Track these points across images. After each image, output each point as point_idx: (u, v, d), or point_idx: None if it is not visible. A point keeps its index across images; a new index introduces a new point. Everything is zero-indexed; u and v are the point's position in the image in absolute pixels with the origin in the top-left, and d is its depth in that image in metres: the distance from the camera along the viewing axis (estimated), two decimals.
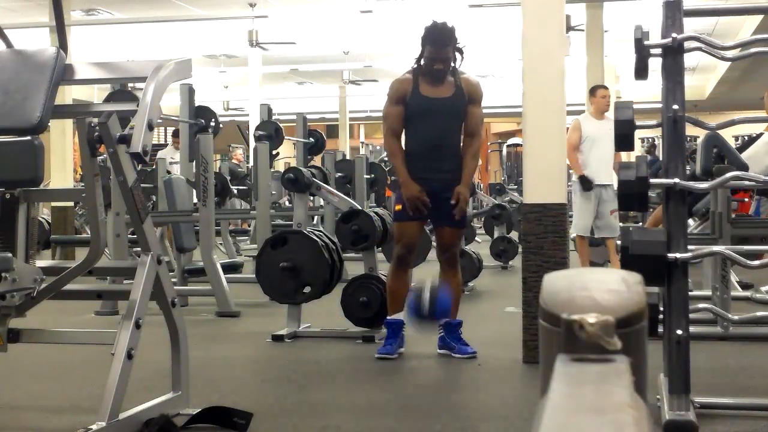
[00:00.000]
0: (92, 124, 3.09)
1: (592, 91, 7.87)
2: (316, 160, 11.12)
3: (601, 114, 7.58)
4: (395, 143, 4.72)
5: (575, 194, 7.66)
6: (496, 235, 10.07)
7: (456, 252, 4.81)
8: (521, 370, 4.43)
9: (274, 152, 9.68)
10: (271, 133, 9.47)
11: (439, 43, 4.59)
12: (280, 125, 9.78)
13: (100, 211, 3.23)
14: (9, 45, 3.45)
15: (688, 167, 3.65)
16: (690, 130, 3.62)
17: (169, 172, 7.99)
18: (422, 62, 4.65)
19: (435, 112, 4.61)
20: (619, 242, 3.21)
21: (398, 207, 4.74)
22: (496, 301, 7.20)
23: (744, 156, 6.33)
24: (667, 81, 3.31)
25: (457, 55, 4.65)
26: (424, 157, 4.65)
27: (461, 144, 4.74)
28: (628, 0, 11.94)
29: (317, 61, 17.86)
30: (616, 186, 3.86)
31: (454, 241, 4.77)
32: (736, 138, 17.69)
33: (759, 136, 7.21)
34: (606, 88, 7.95)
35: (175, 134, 11.05)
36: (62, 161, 11.17)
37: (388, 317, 4.82)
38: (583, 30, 11.72)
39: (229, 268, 7.36)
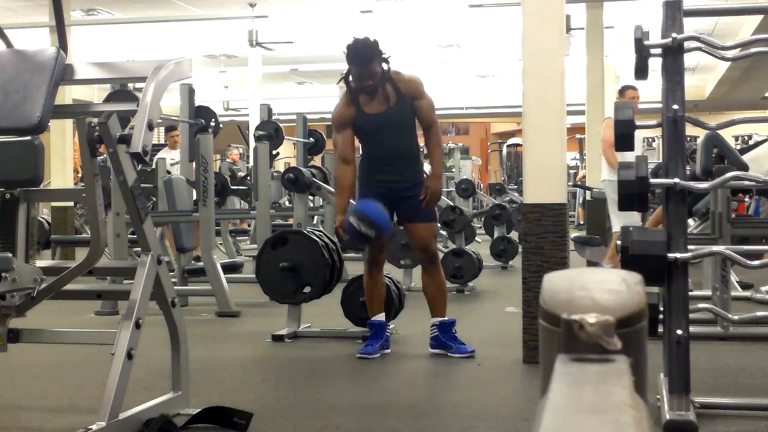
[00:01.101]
0: (92, 124, 3.09)
1: (621, 92, 7.80)
2: (316, 160, 11.12)
3: None
4: (343, 172, 4.77)
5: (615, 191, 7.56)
6: (496, 235, 10.06)
7: (433, 249, 4.82)
8: (521, 370, 4.43)
9: (274, 152, 9.68)
10: (271, 133, 9.47)
11: (361, 61, 4.56)
12: (280, 125, 9.78)
13: (100, 211, 3.23)
14: (9, 45, 3.45)
15: (688, 167, 3.65)
16: (690, 130, 3.62)
17: (169, 172, 7.99)
18: (351, 82, 4.63)
19: (382, 126, 4.63)
20: (619, 242, 3.21)
21: None
22: (496, 301, 7.20)
23: (746, 158, 6.33)
24: (667, 81, 3.31)
25: (384, 65, 4.60)
26: (381, 165, 4.71)
27: (417, 142, 4.84)
28: (628, 0, 11.93)
29: (317, 61, 17.85)
30: None
31: (427, 236, 4.76)
32: (736, 138, 17.69)
33: (766, 140, 7.18)
34: (635, 88, 7.73)
35: (169, 129, 10.92)
36: (62, 161, 11.16)
37: (370, 318, 4.87)
38: (583, 29, 11.72)
39: (229, 268, 7.35)
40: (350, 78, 4.62)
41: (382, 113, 4.63)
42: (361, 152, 4.95)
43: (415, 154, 4.78)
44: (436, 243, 4.92)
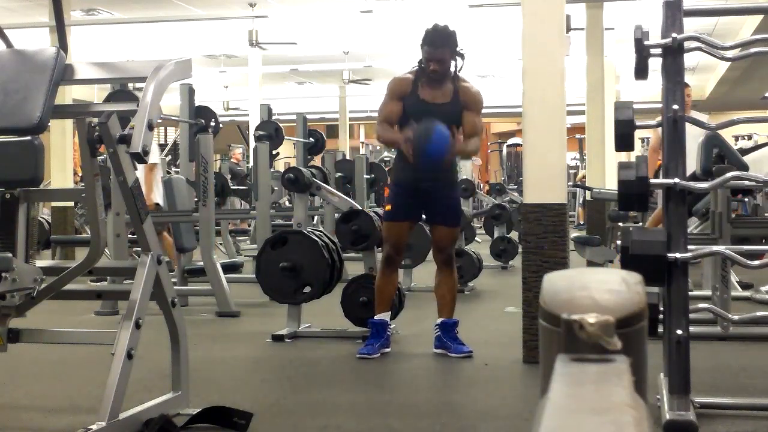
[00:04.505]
0: (92, 124, 3.09)
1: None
2: (316, 160, 11.12)
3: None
4: (386, 126, 4.67)
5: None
6: (496, 235, 10.07)
7: (451, 252, 4.81)
8: (521, 370, 4.43)
9: (274, 152, 9.68)
10: (271, 133, 9.48)
11: (435, 43, 4.57)
12: (280, 125, 9.78)
13: (100, 211, 3.23)
14: (9, 45, 3.45)
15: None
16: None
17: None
18: (422, 65, 4.65)
19: (431, 116, 4.59)
20: (619, 242, 3.21)
21: (388, 207, 4.80)
22: (496, 301, 7.20)
23: (747, 159, 6.33)
24: (667, 81, 3.31)
25: (458, 59, 4.62)
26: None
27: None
28: (628, 0, 11.94)
29: (317, 61, 17.85)
30: None
31: (447, 240, 4.75)
32: (736, 138, 17.69)
33: None
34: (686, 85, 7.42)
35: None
36: (62, 161, 11.17)
37: (375, 315, 4.85)
38: (583, 30, 11.72)
39: (229, 268, 7.35)
40: (422, 63, 4.62)
41: (435, 104, 4.60)
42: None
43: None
44: (454, 247, 4.91)
